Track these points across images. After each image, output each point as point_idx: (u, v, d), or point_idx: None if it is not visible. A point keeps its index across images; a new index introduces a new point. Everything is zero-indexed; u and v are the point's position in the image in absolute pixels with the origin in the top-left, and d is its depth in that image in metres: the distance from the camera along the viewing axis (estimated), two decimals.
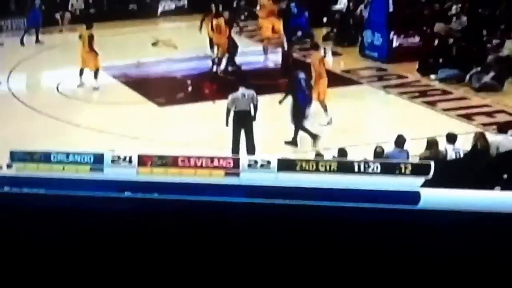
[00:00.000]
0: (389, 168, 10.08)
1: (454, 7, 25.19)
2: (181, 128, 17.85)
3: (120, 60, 23.70)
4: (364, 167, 10.01)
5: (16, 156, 10.50)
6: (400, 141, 13.76)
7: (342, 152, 13.15)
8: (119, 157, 10.16)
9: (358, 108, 19.80)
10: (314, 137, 16.74)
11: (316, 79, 18.04)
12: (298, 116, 16.80)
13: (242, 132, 15.79)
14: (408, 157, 13.67)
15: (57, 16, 29.46)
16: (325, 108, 18.27)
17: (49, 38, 27.19)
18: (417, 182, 9.58)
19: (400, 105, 20.12)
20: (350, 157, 12.59)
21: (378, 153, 13.36)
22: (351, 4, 27.29)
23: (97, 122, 18.06)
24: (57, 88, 21.36)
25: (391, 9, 23.48)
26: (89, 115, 18.86)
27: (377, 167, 10.01)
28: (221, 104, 17.24)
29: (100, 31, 26.51)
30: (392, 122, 18.90)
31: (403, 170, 9.96)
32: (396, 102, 20.37)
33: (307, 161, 10.08)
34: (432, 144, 13.62)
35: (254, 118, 15.81)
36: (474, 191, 9.31)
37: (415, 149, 13.65)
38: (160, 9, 31.32)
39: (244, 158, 10.24)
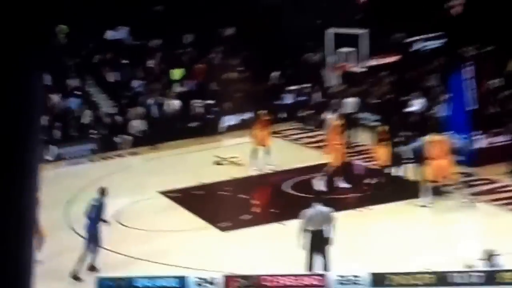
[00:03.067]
0: (495, 278, 10.64)
1: None
2: (249, 254, 17.64)
3: (182, 182, 23.75)
4: (468, 277, 10.67)
5: (103, 283, 12.02)
6: (489, 255, 13.08)
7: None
8: (203, 279, 10.88)
9: (443, 219, 19.62)
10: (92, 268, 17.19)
11: None
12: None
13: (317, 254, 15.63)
14: None
15: (117, 140, 29.72)
16: None
17: (109, 164, 27.49)
18: None
19: (491, 214, 19.75)
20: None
21: None
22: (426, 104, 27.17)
23: (162, 251, 18.13)
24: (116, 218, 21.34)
25: (472, 107, 23.09)
26: (152, 243, 18.84)
27: (480, 277, 10.64)
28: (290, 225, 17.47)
29: (160, 152, 28.32)
30: (483, 233, 18.76)
31: (504, 279, 10.61)
32: (486, 211, 19.95)
33: (403, 274, 10.62)
34: None
35: (331, 240, 15.50)
36: None
37: None
38: (223, 125, 31.19)
39: (332, 274, 11.07)
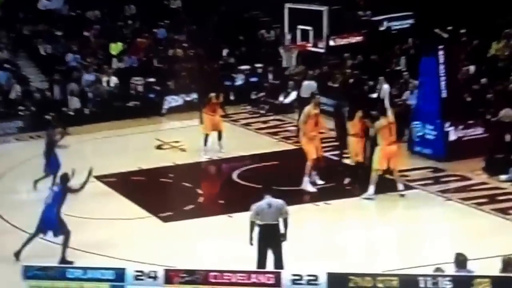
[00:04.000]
0: (463, 284, 10.18)
1: None
2: (193, 248, 17.41)
3: (119, 167, 23.32)
4: (433, 283, 10.18)
5: (29, 272, 11.37)
6: (460, 260, 12.62)
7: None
8: (143, 273, 10.66)
9: (411, 219, 19.06)
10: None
11: None
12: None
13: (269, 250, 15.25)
14: None
15: (48, 118, 28.41)
16: None
17: (38, 143, 26.27)
18: None
19: (464, 214, 19.20)
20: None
21: None
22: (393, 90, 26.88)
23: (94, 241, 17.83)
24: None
25: (444, 95, 22.57)
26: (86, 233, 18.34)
27: (448, 283, 10.19)
28: (238, 218, 17.55)
29: (97, 133, 27.92)
30: (455, 236, 18.15)
31: (480, 286, 10.17)
32: (458, 211, 19.43)
33: (363, 276, 10.26)
34: (508, 264, 12.45)
35: (284, 236, 15.20)
36: None
37: (486, 271, 12.52)
38: (165, 106, 30.97)
39: (287, 273, 10.52)
